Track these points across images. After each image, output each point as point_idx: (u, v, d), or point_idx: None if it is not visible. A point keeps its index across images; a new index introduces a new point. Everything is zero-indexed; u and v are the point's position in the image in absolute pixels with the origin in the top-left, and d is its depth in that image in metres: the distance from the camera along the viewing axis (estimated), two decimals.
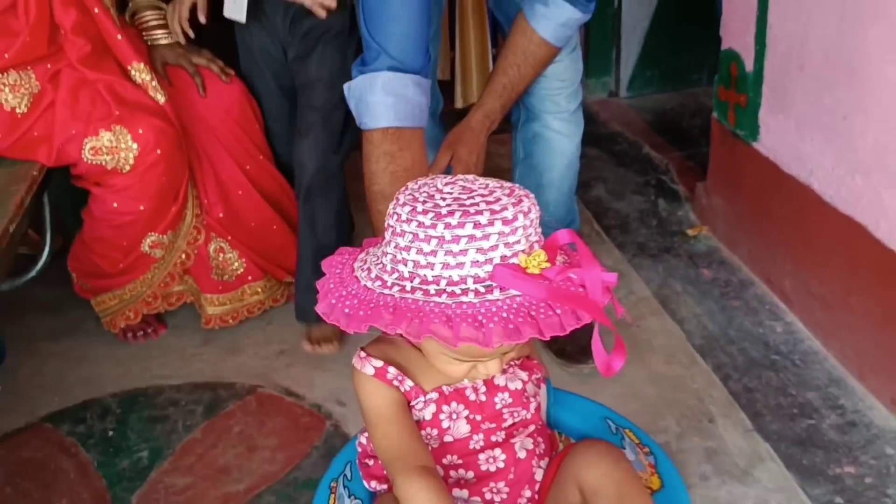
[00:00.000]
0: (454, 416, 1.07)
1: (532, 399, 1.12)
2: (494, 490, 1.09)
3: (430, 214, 0.91)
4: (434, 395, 1.07)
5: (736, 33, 2.01)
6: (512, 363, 1.12)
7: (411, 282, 0.91)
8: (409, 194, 0.96)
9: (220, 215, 1.99)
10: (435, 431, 1.07)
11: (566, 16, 1.63)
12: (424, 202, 0.93)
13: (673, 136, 2.91)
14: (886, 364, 1.64)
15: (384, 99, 1.49)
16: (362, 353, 1.08)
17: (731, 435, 1.62)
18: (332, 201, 1.93)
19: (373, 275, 0.96)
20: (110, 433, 1.78)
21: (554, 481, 1.10)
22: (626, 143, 2.90)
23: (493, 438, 1.09)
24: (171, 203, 1.88)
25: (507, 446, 1.09)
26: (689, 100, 3.16)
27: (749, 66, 1.96)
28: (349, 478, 1.19)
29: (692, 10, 2.99)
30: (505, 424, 1.09)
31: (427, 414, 1.07)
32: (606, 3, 3.08)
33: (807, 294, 1.87)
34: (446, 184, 0.97)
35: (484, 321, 0.86)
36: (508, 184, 0.98)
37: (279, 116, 2.05)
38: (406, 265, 0.92)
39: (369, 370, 1.06)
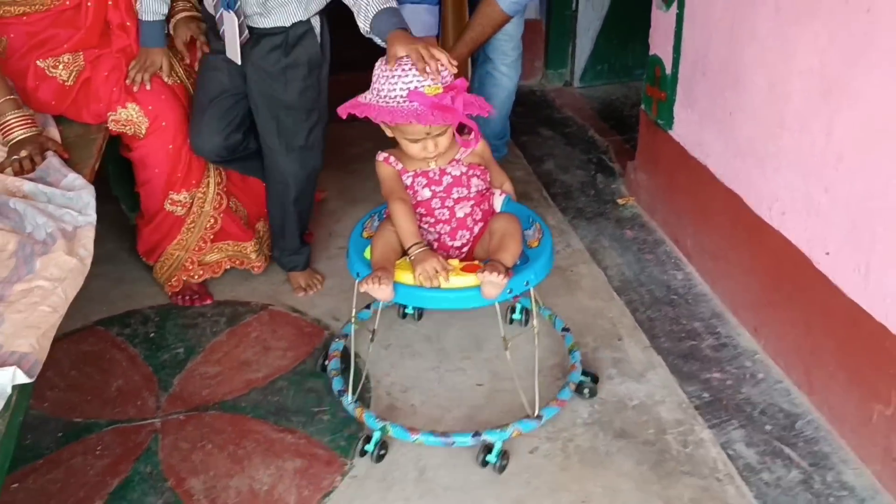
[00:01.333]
0: (420, 184, 1.86)
1: (471, 186, 1.87)
2: (443, 229, 1.88)
3: (390, 76, 1.75)
4: (411, 173, 1.87)
5: (659, 43, 2.52)
6: (458, 161, 1.87)
7: (381, 97, 1.75)
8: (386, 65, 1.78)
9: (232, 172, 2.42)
10: (411, 193, 1.86)
11: None
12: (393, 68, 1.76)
13: (615, 122, 3.42)
14: (750, 302, 2.17)
15: (409, 18, 2.09)
16: (380, 155, 1.88)
17: (633, 350, 2.15)
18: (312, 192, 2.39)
19: (367, 99, 1.78)
20: (151, 335, 2.26)
21: (482, 231, 1.90)
22: (575, 126, 3.41)
23: (445, 203, 1.86)
24: (185, 166, 2.26)
25: (451, 209, 1.87)
26: (632, 92, 3.66)
27: (668, 69, 2.47)
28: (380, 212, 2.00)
29: (638, 15, 3.46)
30: (452, 195, 1.87)
31: (407, 182, 1.86)
32: (565, 5, 3.57)
33: (701, 250, 2.40)
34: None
35: (403, 112, 1.71)
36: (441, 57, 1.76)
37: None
38: (381, 92, 1.75)
39: (381, 158, 1.88)
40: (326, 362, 2.06)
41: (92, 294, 2.35)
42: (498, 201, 1.93)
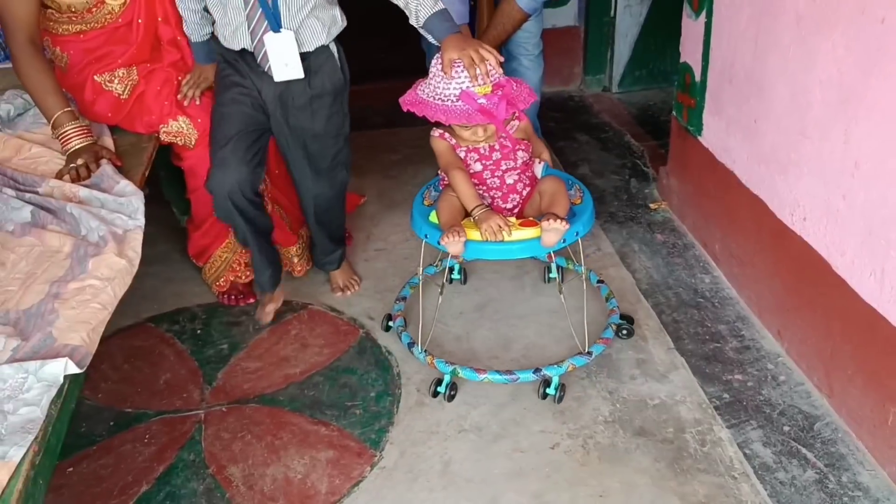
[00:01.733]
0: (472, 159, 2.10)
1: (517, 159, 2.11)
2: (496, 194, 2.11)
3: (443, 79, 1.97)
4: (464, 148, 2.10)
5: (689, 51, 2.56)
6: (503, 139, 2.10)
7: (437, 95, 1.98)
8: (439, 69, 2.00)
9: (277, 178, 2.54)
10: (465, 165, 2.09)
11: None
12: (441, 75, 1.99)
13: (652, 128, 3.46)
14: (773, 306, 2.21)
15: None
16: (434, 131, 2.11)
17: (657, 350, 2.21)
18: (342, 203, 2.47)
19: (425, 94, 2.00)
20: (198, 331, 2.39)
21: (531, 194, 2.12)
22: (611, 131, 3.46)
23: (495, 174, 2.10)
24: None
25: (501, 177, 2.10)
26: (670, 97, 3.60)
27: (698, 77, 2.52)
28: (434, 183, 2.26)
29: (675, 21, 3.50)
30: (500, 168, 2.10)
31: (461, 155, 2.10)
32: (603, 12, 3.62)
33: (728, 255, 2.44)
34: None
35: (455, 112, 1.95)
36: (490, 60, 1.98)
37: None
38: (437, 89, 1.98)
39: (436, 134, 2.11)
40: (391, 323, 2.32)
41: (144, 292, 2.51)
42: (538, 168, 2.16)
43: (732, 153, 2.36)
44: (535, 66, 2.96)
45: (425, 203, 2.18)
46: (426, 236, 2.06)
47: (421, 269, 2.32)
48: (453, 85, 1.95)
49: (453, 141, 2.10)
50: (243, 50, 2.12)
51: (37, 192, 1.86)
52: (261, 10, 2.02)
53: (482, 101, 1.94)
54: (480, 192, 2.09)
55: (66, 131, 2.03)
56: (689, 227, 2.72)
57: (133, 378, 2.22)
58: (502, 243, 1.95)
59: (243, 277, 2.52)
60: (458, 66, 1.94)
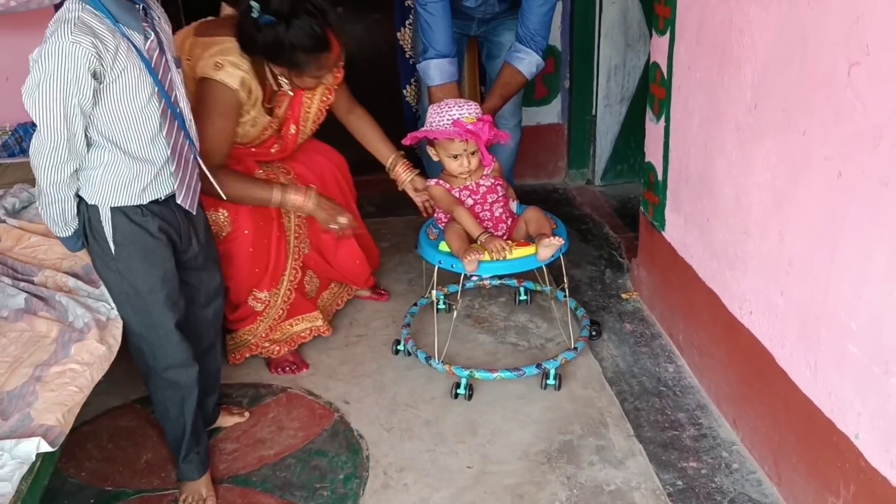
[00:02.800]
0: (464, 196, 2.56)
1: (499, 193, 2.60)
2: (488, 225, 2.55)
3: (439, 111, 2.48)
4: (456, 189, 2.57)
5: (652, 151, 2.73)
6: (486, 175, 2.59)
7: (432, 126, 2.49)
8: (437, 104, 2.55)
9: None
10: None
11: (535, 60, 2.94)
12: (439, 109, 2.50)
13: (630, 220, 3.60)
14: (729, 395, 2.30)
15: (436, 71, 2.86)
16: (430, 180, 2.62)
17: (617, 437, 2.29)
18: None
19: (424, 128, 2.52)
20: None
21: (515, 224, 2.60)
22: (592, 223, 3.61)
23: (484, 207, 2.57)
24: (264, 268, 2.54)
25: (490, 209, 2.58)
26: None
27: (660, 176, 2.67)
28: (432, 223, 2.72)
29: None
30: (487, 201, 2.58)
31: (455, 194, 2.56)
32: (585, 111, 3.83)
33: (690, 344, 2.55)
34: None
35: (448, 131, 2.46)
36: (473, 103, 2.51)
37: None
38: (433, 123, 2.48)
39: (432, 182, 2.61)
40: (399, 347, 2.69)
41: (133, 374, 2.62)
42: (513, 205, 2.70)
43: (690, 248, 2.49)
44: (513, 134, 3.29)
45: (430, 237, 2.63)
46: (440, 262, 2.49)
47: (435, 292, 2.81)
48: (446, 116, 2.46)
49: (447, 185, 2.56)
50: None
51: (32, 281, 2.01)
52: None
53: (469, 126, 2.43)
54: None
55: (288, 198, 2.45)
56: (657, 317, 2.83)
57: (116, 457, 2.32)
58: (506, 261, 2.40)
59: (275, 352, 2.66)
60: (450, 102, 2.49)
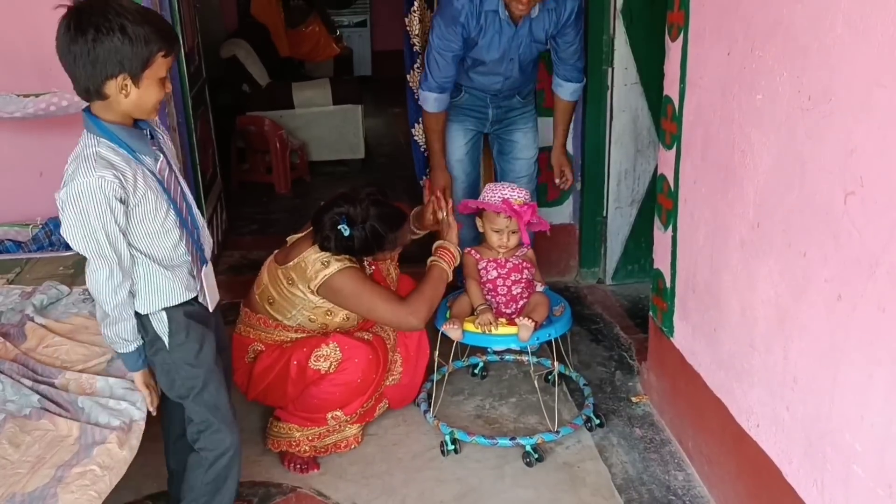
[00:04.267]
0: (491, 267, 2.86)
1: (523, 274, 2.85)
2: (501, 300, 2.85)
3: (494, 189, 2.87)
4: (485, 261, 2.86)
5: (661, 259, 2.80)
6: (517, 256, 2.87)
7: (485, 200, 2.87)
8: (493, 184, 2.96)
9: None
10: (484, 273, 2.86)
11: (575, 86, 3.36)
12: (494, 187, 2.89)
13: (641, 320, 3.63)
14: None
15: (434, 102, 3.18)
16: (467, 250, 2.90)
17: None
18: None
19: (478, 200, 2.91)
20: None
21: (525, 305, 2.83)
22: (602, 323, 3.66)
23: (506, 283, 2.85)
24: (360, 395, 2.68)
25: (509, 287, 2.85)
26: None
27: (668, 283, 2.74)
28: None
29: None
30: (509, 279, 2.85)
31: (482, 266, 2.87)
32: (596, 212, 3.92)
33: (700, 453, 2.56)
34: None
35: (496, 205, 2.81)
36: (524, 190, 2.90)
37: None
38: (485, 198, 2.87)
39: (466, 251, 2.89)
40: (419, 401, 2.95)
41: (147, 470, 2.65)
42: (539, 288, 2.91)
43: (698, 356, 2.53)
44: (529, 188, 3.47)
45: (449, 304, 2.91)
46: (442, 328, 2.76)
47: (451, 362, 2.97)
48: (499, 194, 2.81)
49: (478, 256, 2.87)
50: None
51: (52, 384, 2.08)
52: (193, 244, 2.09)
53: (516, 207, 2.74)
54: (490, 297, 2.84)
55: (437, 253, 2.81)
56: (667, 422, 2.85)
57: None
58: (490, 335, 2.67)
59: (300, 452, 2.70)
60: (505, 184, 2.89)
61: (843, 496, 1.78)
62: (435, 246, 2.83)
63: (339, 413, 2.68)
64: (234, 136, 5.70)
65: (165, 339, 2.02)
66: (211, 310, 2.15)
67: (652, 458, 2.68)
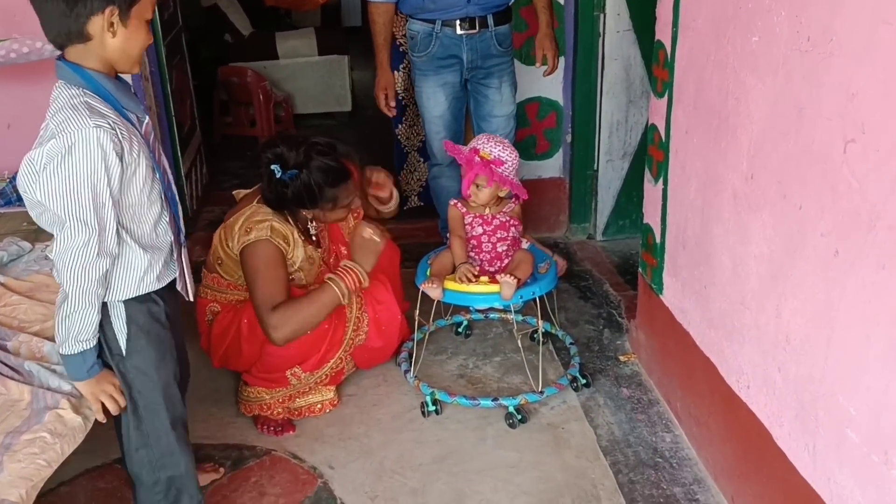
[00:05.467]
0: (476, 223, 2.74)
1: (509, 232, 2.74)
2: (485, 257, 2.75)
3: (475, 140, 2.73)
4: (471, 216, 2.74)
5: (650, 213, 2.68)
6: (503, 213, 2.74)
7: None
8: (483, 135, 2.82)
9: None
10: (469, 229, 2.75)
11: None
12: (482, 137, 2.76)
13: (631, 277, 3.52)
14: (727, 470, 2.22)
15: None
16: (451, 200, 2.80)
17: None
18: None
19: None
20: None
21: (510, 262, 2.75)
22: (591, 279, 3.55)
23: (491, 240, 2.73)
24: (315, 352, 2.55)
25: (494, 244, 2.74)
26: None
27: (658, 238, 2.62)
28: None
29: None
30: (495, 236, 2.73)
31: (468, 220, 2.75)
32: (587, 165, 3.78)
33: (688, 414, 2.47)
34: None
35: (460, 153, 2.72)
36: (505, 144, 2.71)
37: None
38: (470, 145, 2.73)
39: (451, 203, 2.79)
40: (400, 361, 2.85)
41: (114, 432, 2.57)
42: (525, 244, 2.81)
43: (688, 315, 2.43)
44: (506, 125, 3.30)
45: (429, 262, 2.79)
46: (421, 286, 2.65)
47: (432, 321, 2.90)
48: (472, 144, 2.69)
49: (464, 210, 2.74)
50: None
51: (5, 346, 1.97)
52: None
53: (477, 158, 2.61)
54: (474, 254, 2.75)
55: (343, 284, 2.52)
56: (655, 382, 2.76)
57: None
58: (472, 294, 2.59)
59: (275, 414, 2.60)
60: (482, 138, 2.70)
61: (836, 462, 1.68)
62: (342, 265, 2.59)
63: (297, 370, 2.56)
64: (217, 89, 5.53)
65: (122, 342, 1.78)
66: (191, 298, 1.96)
67: (639, 419, 2.59)
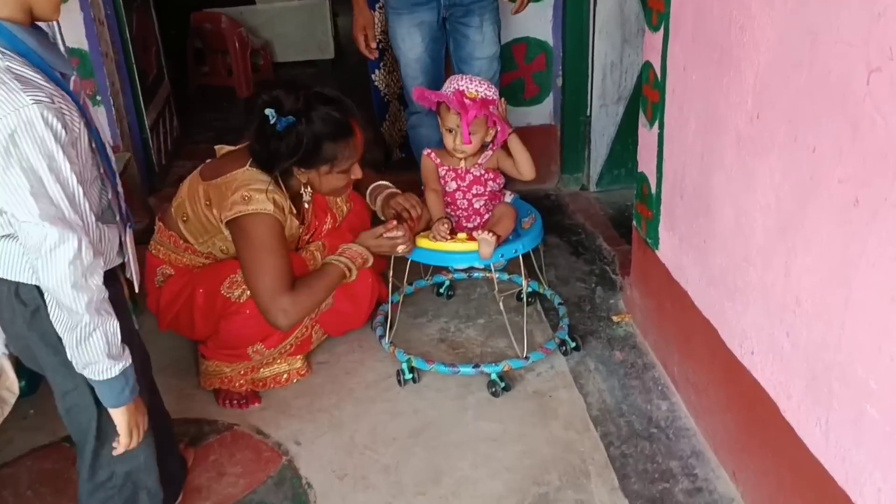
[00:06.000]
0: (450, 177, 2.54)
1: (486, 187, 2.53)
2: (462, 214, 2.57)
3: (451, 81, 2.46)
4: (445, 167, 2.54)
5: (645, 161, 2.44)
6: (480, 165, 2.52)
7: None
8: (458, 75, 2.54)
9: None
10: (443, 184, 2.54)
11: None
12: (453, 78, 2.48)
13: (626, 230, 3.28)
14: (728, 442, 2.02)
15: None
16: (425, 150, 2.56)
17: (599, 491, 2.01)
18: None
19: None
20: None
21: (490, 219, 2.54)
22: (584, 233, 3.32)
23: (466, 196, 2.54)
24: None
25: (470, 200, 2.55)
26: None
27: (653, 188, 2.39)
28: None
29: None
30: (470, 192, 2.53)
31: (441, 173, 2.54)
32: (579, 111, 3.53)
33: (686, 380, 2.26)
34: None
35: (445, 95, 2.42)
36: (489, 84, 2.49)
37: None
38: (445, 86, 2.47)
39: (425, 153, 2.55)
40: (375, 325, 2.64)
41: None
42: (508, 198, 2.60)
43: (686, 272, 2.21)
44: (489, 67, 3.03)
45: None
46: None
47: (405, 282, 2.68)
48: (454, 85, 2.42)
49: (438, 160, 2.52)
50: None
51: None
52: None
53: (467, 101, 2.36)
54: (450, 210, 2.54)
55: (345, 254, 2.30)
56: (650, 344, 2.54)
57: None
58: (448, 252, 2.37)
59: (237, 387, 2.39)
60: (469, 77, 2.47)
61: (853, 440, 1.48)
62: (343, 248, 2.32)
63: (259, 346, 2.35)
64: (190, 36, 5.24)
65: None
66: (137, 289, 1.73)
67: (633, 386, 2.38)
